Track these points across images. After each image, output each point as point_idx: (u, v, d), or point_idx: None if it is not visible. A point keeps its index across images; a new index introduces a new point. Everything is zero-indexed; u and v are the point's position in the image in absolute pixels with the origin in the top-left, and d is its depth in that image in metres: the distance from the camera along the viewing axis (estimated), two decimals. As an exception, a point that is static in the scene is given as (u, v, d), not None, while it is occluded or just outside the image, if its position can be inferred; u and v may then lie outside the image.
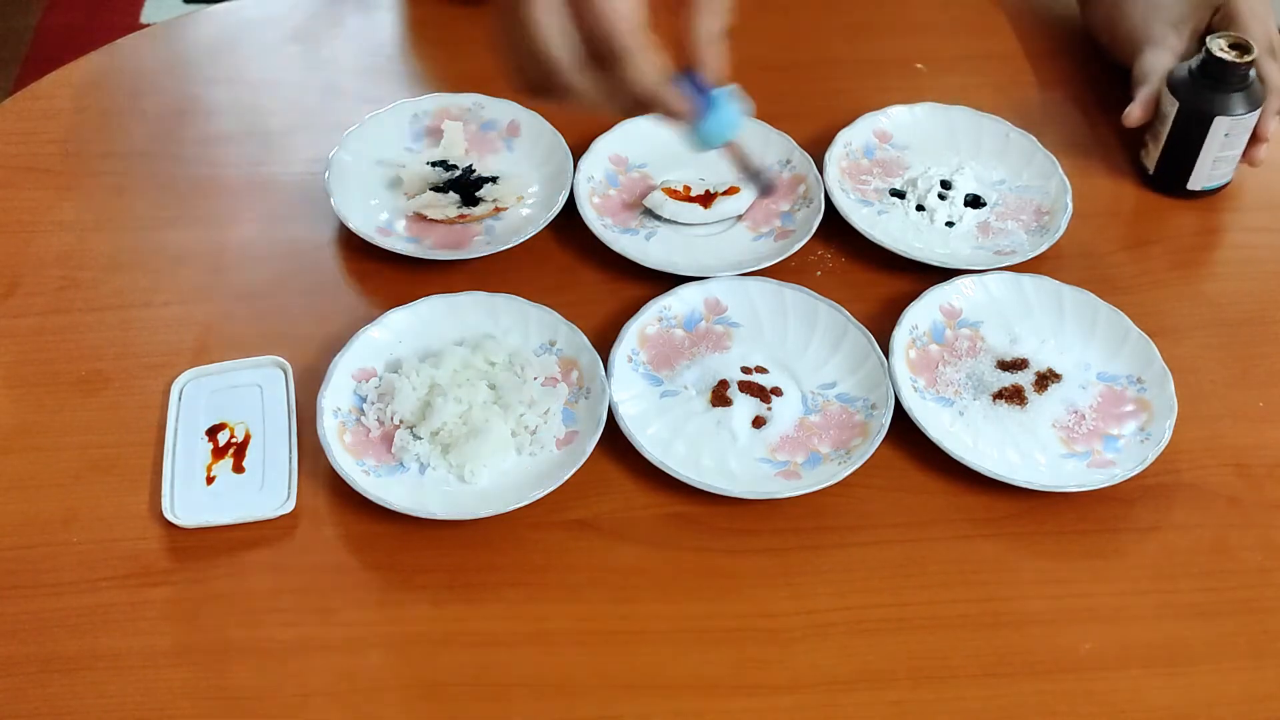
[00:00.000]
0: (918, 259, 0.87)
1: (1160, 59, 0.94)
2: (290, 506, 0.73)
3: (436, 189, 0.91)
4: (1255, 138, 0.91)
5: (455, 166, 0.93)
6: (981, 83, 1.04)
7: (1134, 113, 0.94)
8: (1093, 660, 0.69)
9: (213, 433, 0.76)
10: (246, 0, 1.12)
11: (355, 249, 0.88)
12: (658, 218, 0.91)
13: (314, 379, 0.78)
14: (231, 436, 0.76)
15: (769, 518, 0.74)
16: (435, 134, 0.96)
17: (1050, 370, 0.81)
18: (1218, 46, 0.87)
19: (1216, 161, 0.91)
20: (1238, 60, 0.86)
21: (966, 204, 0.92)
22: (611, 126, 0.95)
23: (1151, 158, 0.94)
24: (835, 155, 0.94)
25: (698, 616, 0.70)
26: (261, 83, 1.04)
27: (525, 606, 0.70)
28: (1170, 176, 0.94)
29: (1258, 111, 0.89)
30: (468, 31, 1.07)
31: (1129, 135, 0.97)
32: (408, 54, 1.06)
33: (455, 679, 0.67)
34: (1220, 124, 0.88)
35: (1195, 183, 0.92)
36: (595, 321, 0.83)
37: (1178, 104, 0.90)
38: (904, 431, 0.77)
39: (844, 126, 0.96)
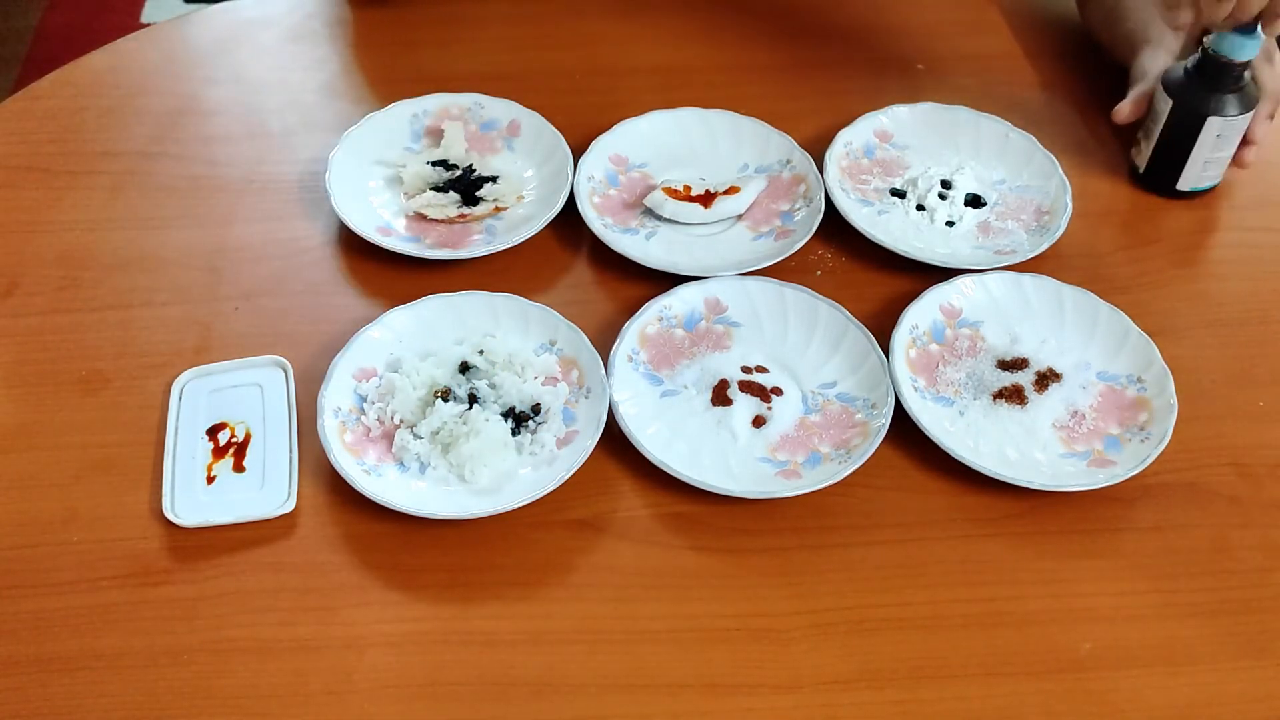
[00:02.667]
0: (918, 259, 0.87)
1: (1158, 59, 0.95)
2: (290, 506, 0.73)
3: (437, 189, 0.91)
4: (1245, 140, 0.91)
5: (455, 166, 0.93)
6: (981, 83, 1.05)
7: (1124, 109, 0.94)
8: (1093, 660, 0.69)
9: (213, 432, 0.76)
10: (246, 0, 1.12)
11: (355, 249, 0.88)
12: (658, 217, 0.91)
13: (314, 378, 0.78)
14: (232, 436, 0.76)
15: (769, 517, 0.74)
16: (435, 134, 0.96)
17: (1050, 370, 0.81)
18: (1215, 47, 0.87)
19: (1207, 163, 0.91)
20: (1234, 61, 0.86)
21: (966, 204, 0.92)
22: (611, 126, 0.96)
23: (1143, 156, 0.94)
24: (836, 155, 0.94)
25: (698, 616, 0.70)
26: (261, 83, 1.04)
27: (525, 605, 0.70)
28: (1160, 176, 0.94)
29: (1250, 114, 0.89)
30: (468, 31, 1.08)
31: (1129, 135, 0.98)
32: (408, 54, 1.06)
33: (455, 678, 0.67)
34: (1213, 124, 0.88)
35: (1185, 183, 0.93)
36: (595, 321, 0.83)
37: (1171, 102, 0.90)
38: (904, 431, 0.77)
39: (844, 126, 0.96)
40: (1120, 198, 0.96)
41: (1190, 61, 0.89)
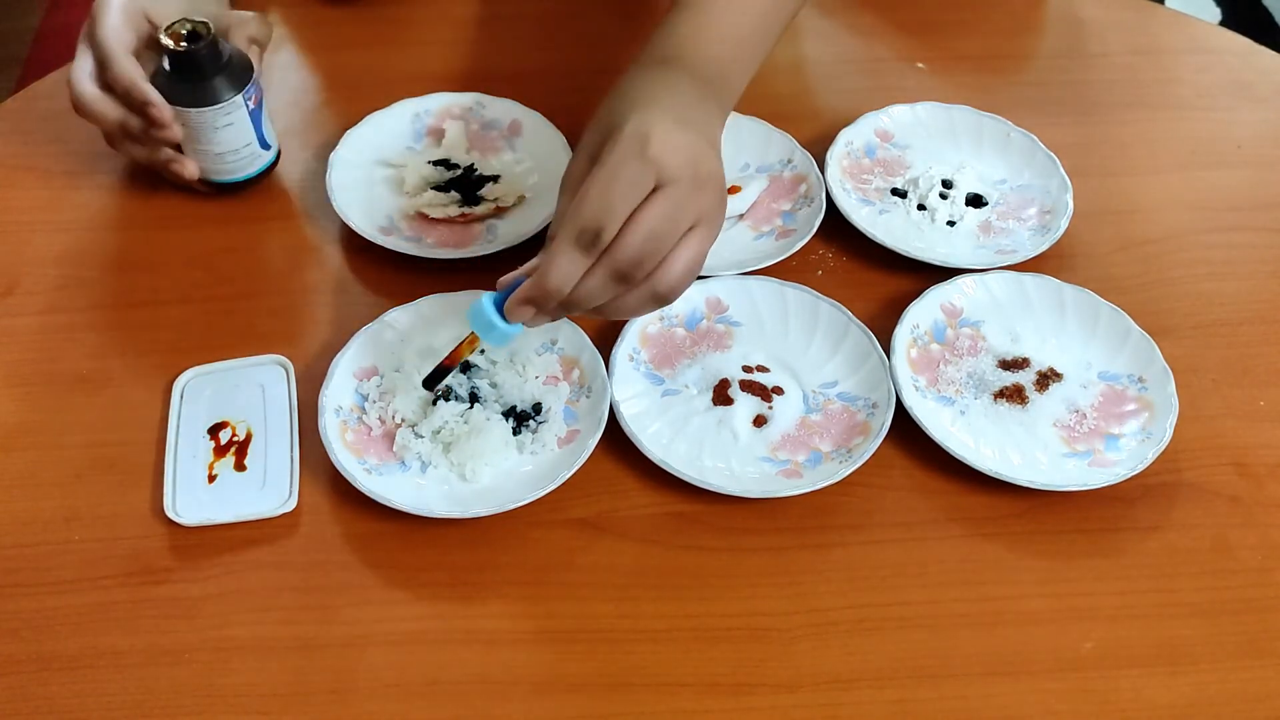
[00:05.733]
0: (919, 258, 0.87)
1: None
2: (292, 505, 0.73)
3: (438, 188, 0.91)
4: None
5: (456, 165, 0.93)
6: (982, 82, 1.05)
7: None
8: (1093, 660, 0.69)
9: (214, 431, 0.76)
10: (248, -1, 1.12)
11: (357, 248, 0.88)
12: (659, 217, 0.91)
13: (315, 377, 0.78)
14: (233, 435, 0.76)
15: (770, 517, 0.74)
16: (437, 133, 0.96)
17: (1051, 369, 0.82)
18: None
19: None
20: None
21: (968, 203, 0.92)
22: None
23: None
24: (837, 154, 0.94)
25: (699, 615, 0.70)
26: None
27: (526, 605, 0.70)
28: None
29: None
30: (469, 31, 1.08)
31: (1130, 133, 0.97)
32: (410, 53, 1.06)
33: (456, 677, 0.67)
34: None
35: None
36: (596, 320, 0.83)
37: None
38: (905, 431, 0.77)
39: (845, 126, 0.96)
40: (1122, 197, 0.96)
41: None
